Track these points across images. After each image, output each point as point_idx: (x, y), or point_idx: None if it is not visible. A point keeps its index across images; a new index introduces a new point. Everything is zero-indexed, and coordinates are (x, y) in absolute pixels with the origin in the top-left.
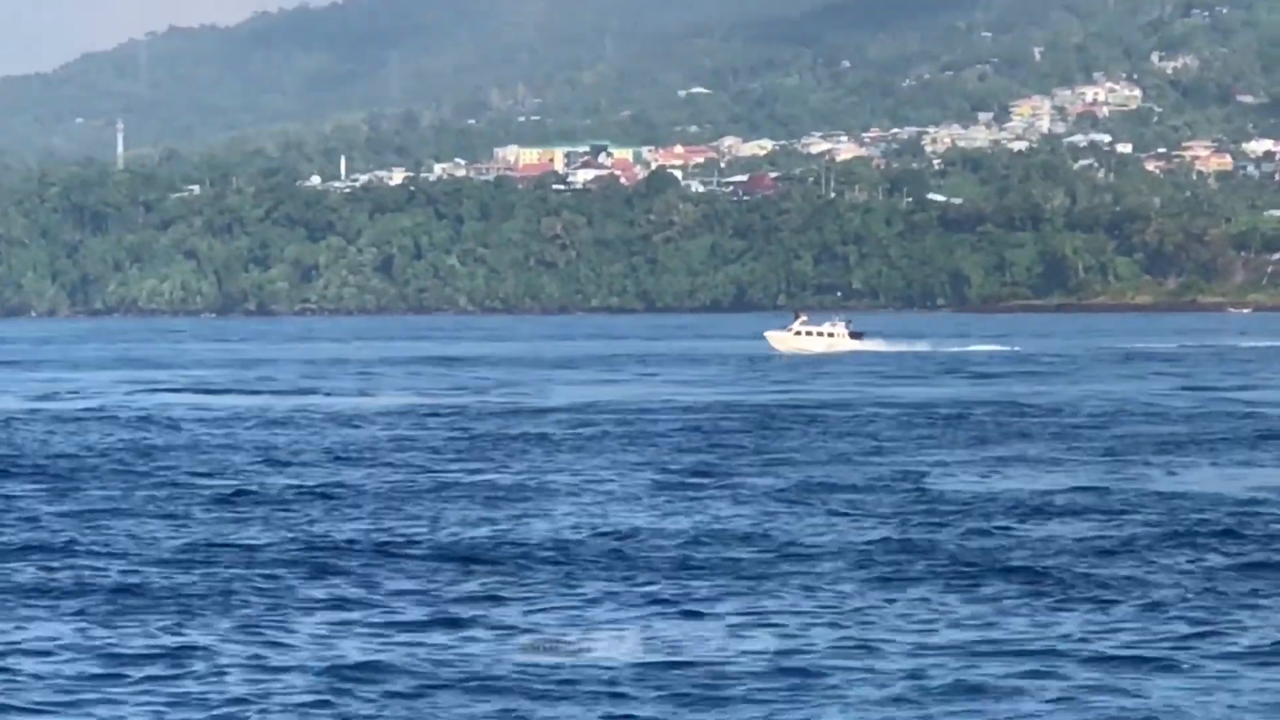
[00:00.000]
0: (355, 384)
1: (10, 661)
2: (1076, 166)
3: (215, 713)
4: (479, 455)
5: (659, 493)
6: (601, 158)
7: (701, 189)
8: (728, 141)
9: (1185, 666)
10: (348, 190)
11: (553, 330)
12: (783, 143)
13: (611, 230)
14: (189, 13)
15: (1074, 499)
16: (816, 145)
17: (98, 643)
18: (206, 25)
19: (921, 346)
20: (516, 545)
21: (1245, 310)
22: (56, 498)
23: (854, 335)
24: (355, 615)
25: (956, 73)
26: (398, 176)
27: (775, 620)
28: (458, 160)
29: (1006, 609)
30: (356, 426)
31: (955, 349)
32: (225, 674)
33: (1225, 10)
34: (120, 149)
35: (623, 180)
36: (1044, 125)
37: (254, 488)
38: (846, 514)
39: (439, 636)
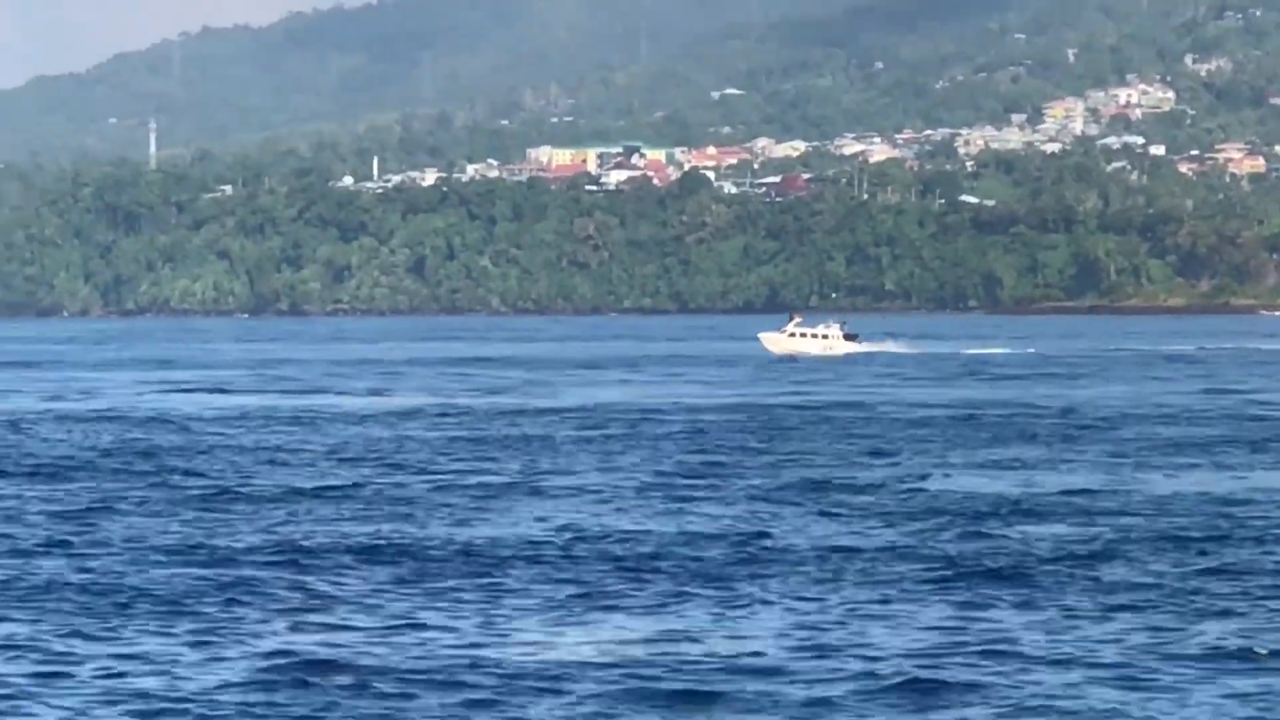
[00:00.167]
0: (377, 384)
1: None
2: (1109, 169)
3: (169, 707)
4: (479, 455)
5: (661, 495)
6: (634, 159)
7: (734, 190)
8: (761, 143)
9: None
10: (380, 191)
11: (583, 331)
12: (816, 144)
13: (644, 231)
14: (222, 13)
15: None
16: (849, 146)
17: (55, 642)
18: (240, 25)
19: (942, 349)
20: (517, 545)
21: (1278, 313)
22: (44, 498)
23: (848, 337)
24: (327, 615)
25: (990, 74)
26: (430, 177)
27: (778, 619)
28: (490, 161)
29: (1005, 610)
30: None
31: (975, 350)
32: (177, 672)
33: (1259, 12)
34: (153, 149)
35: (655, 181)
36: (1077, 127)
37: (244, 488)
38: (835, 514)
39: (418, 634)
